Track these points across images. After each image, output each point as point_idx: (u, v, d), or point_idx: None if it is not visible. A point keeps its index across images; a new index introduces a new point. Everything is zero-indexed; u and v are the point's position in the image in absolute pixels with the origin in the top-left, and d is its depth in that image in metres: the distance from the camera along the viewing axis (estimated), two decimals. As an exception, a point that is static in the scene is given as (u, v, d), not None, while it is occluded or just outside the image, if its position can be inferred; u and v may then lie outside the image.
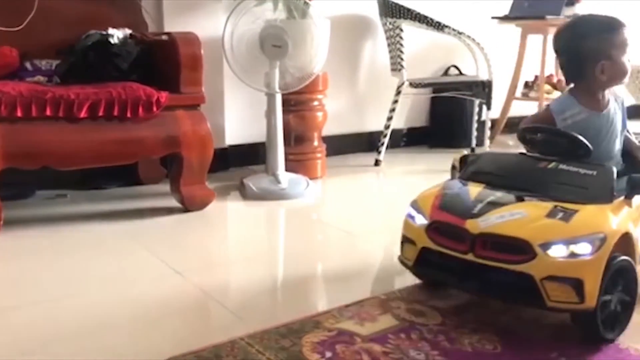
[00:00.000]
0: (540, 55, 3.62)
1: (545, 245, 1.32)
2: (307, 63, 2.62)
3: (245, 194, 2.66)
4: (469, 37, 3.34)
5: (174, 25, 2.74)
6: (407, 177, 3.16)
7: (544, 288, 1.32)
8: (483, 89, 3.30)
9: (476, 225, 1.39)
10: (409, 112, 3.72)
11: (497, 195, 1.47)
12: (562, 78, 3.86)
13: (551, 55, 3.76)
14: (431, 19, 3.27)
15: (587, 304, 1.32)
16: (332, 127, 3.19)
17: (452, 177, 1.72)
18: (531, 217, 1.38)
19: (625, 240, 1.40)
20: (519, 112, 3.95)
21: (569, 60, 1.67)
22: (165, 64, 2.36)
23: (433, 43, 3.62)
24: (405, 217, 1.57)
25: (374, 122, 3.51)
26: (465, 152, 1.75)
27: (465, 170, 1.64)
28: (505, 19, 3.73)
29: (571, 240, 1.31)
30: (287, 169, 2.76)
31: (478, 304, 1.59)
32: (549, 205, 1.40)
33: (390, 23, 3.31)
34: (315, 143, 2.99)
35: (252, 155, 3.09)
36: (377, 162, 3.28)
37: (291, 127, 2.86)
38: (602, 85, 1.63)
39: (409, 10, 3.25)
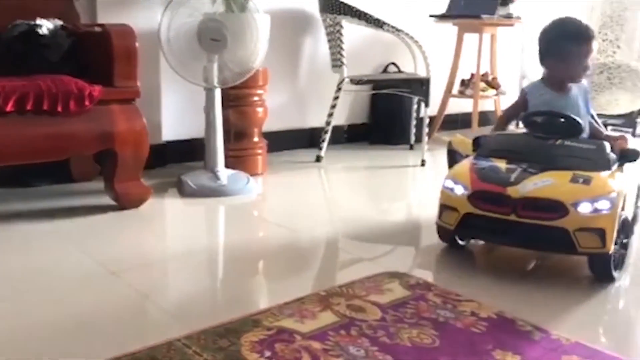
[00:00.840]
0: (476, 54, 3.70)
1: (576, 204, 1.66)
2: (247, 58, 2.58)
3: (183, 191, 2.60)
4: (407, 34, 3.38)
5: (107, 16, 2.66)
6: (348, 173, 3.18)
7: (576, 238, 1.66)
8: (421, 86, 3.34)
9: (516, 191, 1.71)
10: (349, 108, 3.74)
11: (522, 167, 1.78)
12: (497, 76, 4.00)
13: (486, 54, 3.89)
14: (371, 16, 3.29)
15: (607, 248, 1.68)
16: (273, 123, 3.17)
17: (452, 159, 2.04)
18: (559, 183, 1.72)
19: (624, 198, 1.77)
20: (456, 110, 4.05)
21: (548, 53, 2.00)
22: (99, 57, 2.28)
23: (373, 40, 3.65)
24: (443, 189, 1.87)
25: (315, 118, 3.51)
26: (460, 135, 2.11)
27: (483, 149, 1.95)
28: (442, 17, 3.79)
29: (594, 199, 1.67)
30: (227, 166, 2.72)
31: (417, 298, 1.61)
32: (568, 173, 1.74)
33: (330, 19, 3.31)
34: (256, 139, 2.96)
35: (190, 152, 3.03)
36: (318, 158, 3.28)
37: (231, 122, 2.82)
38: (569, 78, 2.01)
39: (349, 6, 3.26)
